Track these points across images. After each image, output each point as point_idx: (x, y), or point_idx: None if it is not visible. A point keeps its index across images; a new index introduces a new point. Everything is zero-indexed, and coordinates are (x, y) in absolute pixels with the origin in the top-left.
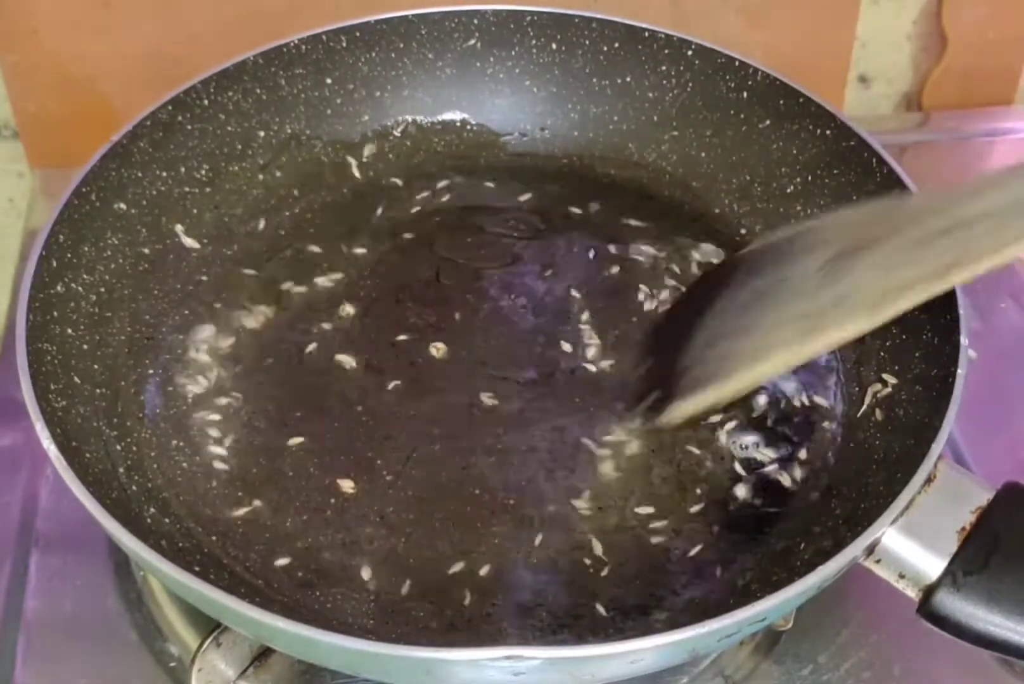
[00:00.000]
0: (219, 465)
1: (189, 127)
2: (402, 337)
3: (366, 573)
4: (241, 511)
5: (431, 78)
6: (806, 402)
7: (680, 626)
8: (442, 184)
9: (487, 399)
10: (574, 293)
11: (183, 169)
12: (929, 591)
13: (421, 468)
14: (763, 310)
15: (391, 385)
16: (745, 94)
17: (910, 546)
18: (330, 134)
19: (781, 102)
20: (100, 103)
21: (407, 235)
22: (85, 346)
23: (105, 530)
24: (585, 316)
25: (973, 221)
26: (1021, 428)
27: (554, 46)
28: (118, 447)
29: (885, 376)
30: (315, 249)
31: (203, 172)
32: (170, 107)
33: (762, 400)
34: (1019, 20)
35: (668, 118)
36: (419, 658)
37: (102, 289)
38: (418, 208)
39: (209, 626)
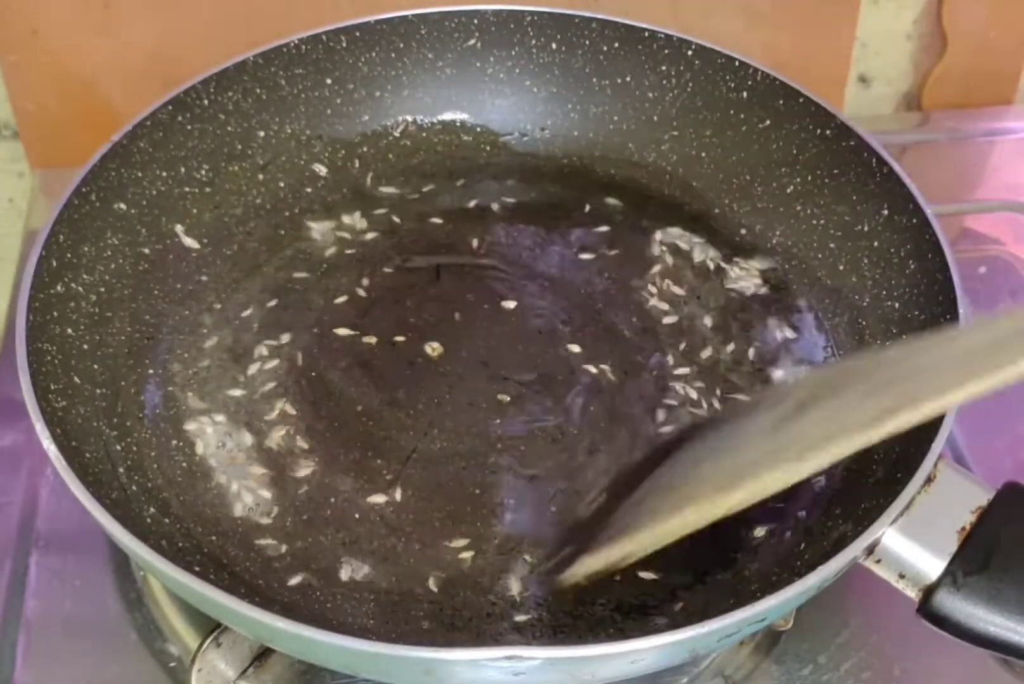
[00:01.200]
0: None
1: (189, 127)
2: (401, 337)
3: (366, 573)
4: (241, 511)
5: (431, 78)
6: None
7: (680, 626)
8: (442, 184)
9: (487, 399)
10: (574, 293)
11: (183, 169)
12: (929, 591)
13: (421, 468)
14: (700, 464)
15: (391, 385)
16: (745, 94)
17: (910, 546)
18: (330, 134)
19: (781, 102)
20: (100, 103)
21: (407, 235)
22: (85, 346)
23: (105, 530)
24: (585, 317)
25: (916, 372)
26: (1021, 428)
27: (554, 46)
28: (118, 447)
29: None
30: (315, 249)
31: (203, 172)
32: (170, 107)
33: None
34: (1019, 20)
35: (668, 118)
36: (419, 658)
37: (102, 289)
38: (418, 209)
39: (209, 626)
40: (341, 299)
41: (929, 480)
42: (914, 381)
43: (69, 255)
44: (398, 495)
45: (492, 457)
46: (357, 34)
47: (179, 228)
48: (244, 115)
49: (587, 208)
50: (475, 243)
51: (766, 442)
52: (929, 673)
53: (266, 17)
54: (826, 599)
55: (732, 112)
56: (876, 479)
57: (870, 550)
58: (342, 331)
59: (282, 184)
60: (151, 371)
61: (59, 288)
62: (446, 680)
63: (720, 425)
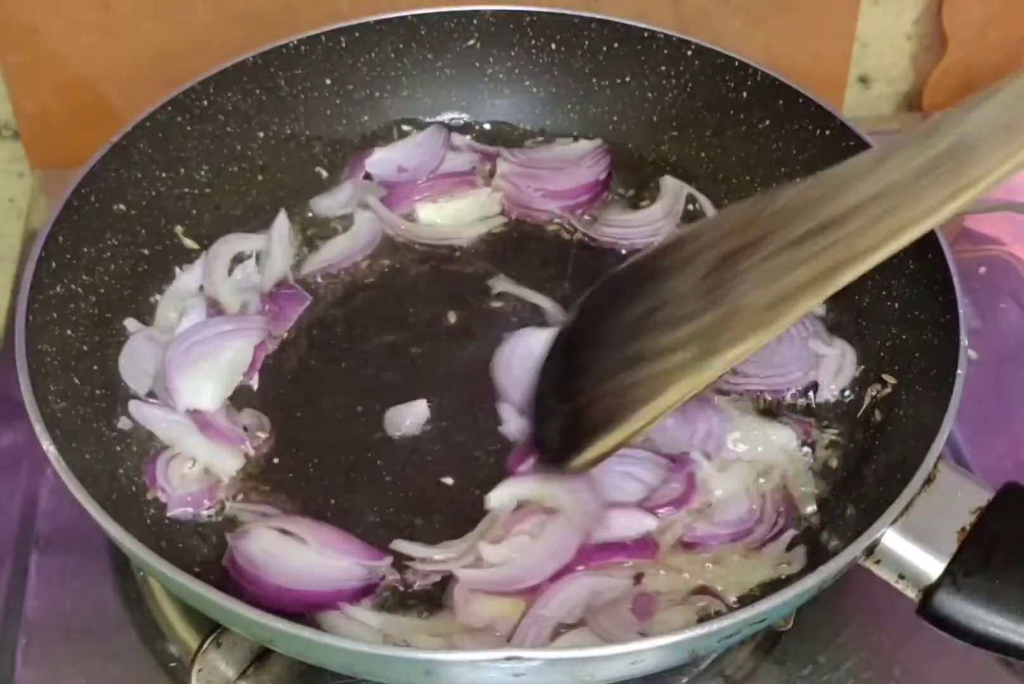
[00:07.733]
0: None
1: (188, 128)
2: (401, 336)
3: None
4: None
5: (431, 78)
6: (806, 402)
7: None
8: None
9: (485, 399)
10: (573, 293)
11: (183, 169)
12: (929, 592)
13: (421, 468)
14: (652, 335)
15: (389, 385)
16: (745, 94)
17: (910, 547)
18: (330, 134)
19: (781, 102)
20: (100, 103)
21: (407, 235)
22: (85, 347)
23: (105, 530)
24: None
25: (843, 218)
26: (1021, 428)
27: (554, 46)
28: (118, 447)
29: (885, 376)
30: (314, 249)
31: (203, 172)
32: (170, 108)
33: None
34: (1019, 20)
35: (668, 118)
36: (419, 659)
37: (102, 290)
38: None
39: (209, 626)
40: (340, 299)
41: (929, 480)
42: (843, 230)
43: (69, 256)
44: (398, 495)
45: (492, 458)
46: (357, 34)
47: (179, 228)
48: (244, 116)
49: (588, 208)
50: (474, 242)
51: (710, 309)
52: (929, 673)
53: (266, 17)
54: (826, 599)
55: (732, 112)
56: (876, 479)
57: (870, 550)
58: (340, 331)
59: (282, 184)
60: None
61: (59, 289)
62: (446, 681)
63: (635, 289)
